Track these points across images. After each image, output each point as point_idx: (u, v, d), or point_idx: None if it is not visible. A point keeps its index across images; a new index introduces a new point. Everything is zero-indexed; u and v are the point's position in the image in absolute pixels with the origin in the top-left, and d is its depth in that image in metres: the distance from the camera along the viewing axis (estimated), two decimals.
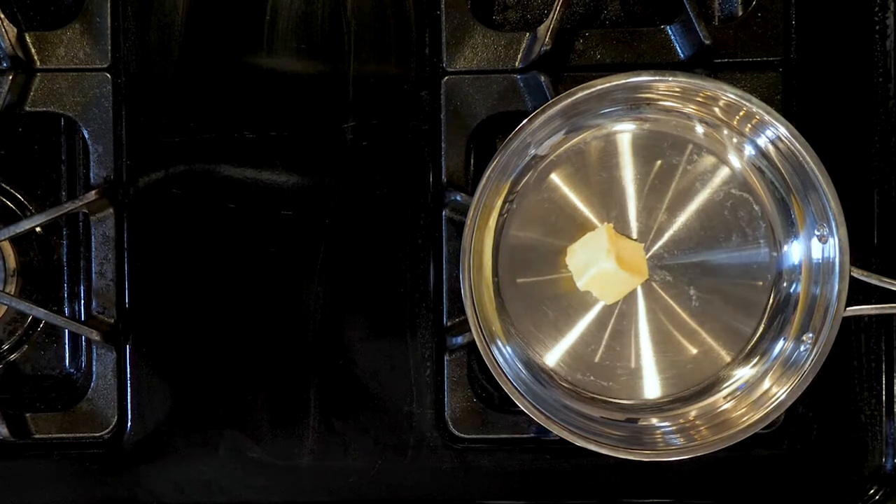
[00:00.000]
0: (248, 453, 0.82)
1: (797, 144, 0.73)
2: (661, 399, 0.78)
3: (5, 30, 0.78)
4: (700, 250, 0.77)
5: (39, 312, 0.79)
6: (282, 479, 0.82)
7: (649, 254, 0.77)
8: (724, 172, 0.77)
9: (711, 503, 0.83)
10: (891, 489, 0.83)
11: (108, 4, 0.80)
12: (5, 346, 0.84)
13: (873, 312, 0.76)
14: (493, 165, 0.73)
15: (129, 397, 0.82)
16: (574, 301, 0.77)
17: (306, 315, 0.82)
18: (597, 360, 0.77)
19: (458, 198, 0.79)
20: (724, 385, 0.78)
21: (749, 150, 0.77)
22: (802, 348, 0.75)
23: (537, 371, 0.78)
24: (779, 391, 0.75)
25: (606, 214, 0.77)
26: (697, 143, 0.77)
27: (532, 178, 0.77)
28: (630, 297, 0.77)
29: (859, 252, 0.75)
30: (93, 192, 0.79)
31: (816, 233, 0.75)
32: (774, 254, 0.77)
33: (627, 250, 0.75)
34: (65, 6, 0.83)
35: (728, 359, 0.78)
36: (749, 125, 0.75)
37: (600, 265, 0.74)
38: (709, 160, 0.77)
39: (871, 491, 0.83)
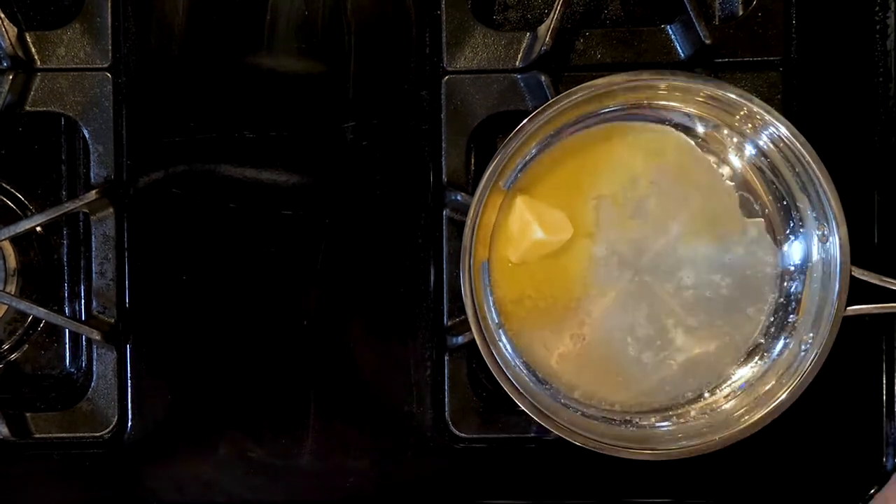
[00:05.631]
0: (248, 453, 0.82)
1: (797, 144, 0.73)
2: (661, 399, 0.78)
3: (5, 29, 0.78)
4: (700, 250, 0.77)
5: (40, 312, 0.79)
6: (282, 479, 0.82)
7: (649, 254, 0.77)
8: (724, 172, 0.77)
9: (711, 503, 0.83)
10: None
11: (108, 4, 0.80)
12: (5, 346, 0.84)
13: (873, 312, 0.76)
14: (492, 165, 0.73)
15: (129, 397, 0.82)
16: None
17: (306, 315, 0.82)
18: (598, 357, 0.77)
19: (458, 198, 0.79)
20: (724, 385, 0.78)
21: (749, 150, 0.77)
22: (802, 348, 0.75)
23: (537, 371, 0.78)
24: (779, 391, 0.75)
25: (606, 214, 0.77)
26: (697, 143, 0.77)
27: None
28: (631, 296, 0.77)
29: (859, 252, 0.75)
30: (93, 191, 0.79)
31: (816, 233, 0.75)
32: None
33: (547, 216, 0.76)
34: (65, 6, 0.83)
35: (728, 359, 0.78)
36: (749, 125, 0.75)
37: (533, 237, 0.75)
38: (709, 160, 0.77)
39: (872, 491, 0.83)
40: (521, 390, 0.75)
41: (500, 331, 0.77)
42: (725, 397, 0.77)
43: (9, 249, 0.82)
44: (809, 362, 0.74)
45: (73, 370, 0.84)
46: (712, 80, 0.75)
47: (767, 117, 0.73)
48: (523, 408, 0.74)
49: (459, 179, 0.81)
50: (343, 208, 0.82)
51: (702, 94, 0.75)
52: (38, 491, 0.82)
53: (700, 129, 0.77)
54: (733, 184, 0.77)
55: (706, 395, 0.78)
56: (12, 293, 0.82)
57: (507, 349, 0.77)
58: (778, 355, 0.77)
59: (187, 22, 0.81)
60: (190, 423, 0.82)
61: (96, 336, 0.79)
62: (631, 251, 0.77)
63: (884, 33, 0.82)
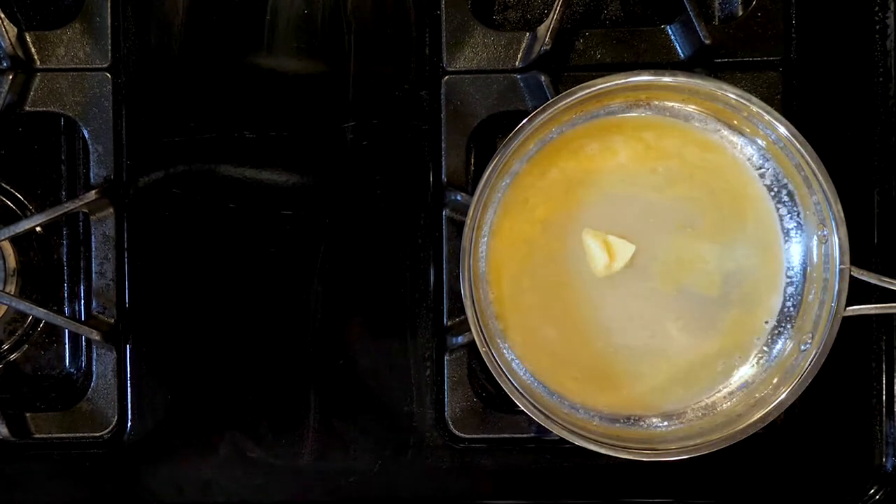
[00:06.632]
0: (248, 453, 0.82)
1: (797, 144, 0.73)
2: (661, 399, 0.78)
3: (5, 29, 0.78)
4: (700, 250, 0.77)
5: (39, 312, 0.79)
6: (282, 479, 0.82)
7: (651, 253, 0.77)
8: (724, 172, 0.77)
9: (711, 503, 0.83)
10: (891, 489, 0.83)
11: (108, 4, 0.80)
12: (5, 346, 0.84)
13: (873, 312, 0.76)
14: (492, 165, 0.73)
15: (129, 397, 0.82)
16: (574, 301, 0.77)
17: (306, 315, 0.82)
18: (597, 358, 0.77)
19: (458, 198, 0.79)
20: (724, 385, 0.78)
21: (749, 150, 0.77)
22: (802, 348, 0.75)
23: None
24: (779, 391, 0.75)
25: (606, 214, 0.77)
26: (697, 142, 0.77)
27: None
28: (631, 296, 0.77)
29: (859, 252, 0.75)
30: (93, 191, 0.79)
31: (816, 233, 0.75)
32: None
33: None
34: (65, 6, 0.83)
35: (728, 359, 0.78)
36: (749, 125, 0.75)
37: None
38: (709, 160, 0.77)
39: (871, 491, 0.83)
40: (521, 390, 0.75)
41: (500, 331, 0.77)
42: (725, 397, 0.77)
43: (9, 249, 0.82)
44: (809, 362, 0.74)
45: (72, 370, 0.84)
46: (712, 80, 0.74)
47: (767, 117, 0.73)
48: (523, 408, 0.74)
49: (459, 179, 0.81)
50: (343, 208, 0.82)
51: (701, 94, 0.75)
52: (38, 491, 0.82)
53: (700, 129, 0.77)
54: (733, 184, 0.77)
55: (706, 395, 0.78)
56: (12, 293, 0.82)
57: (506, 349, 0.77)
58: (778, 355, 0.77)
59: (187, 22, 0.81)
60: (190, 423, 0.82)
61: (96, 336, 0.79)
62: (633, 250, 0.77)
63: (884, 33, 0.82)
